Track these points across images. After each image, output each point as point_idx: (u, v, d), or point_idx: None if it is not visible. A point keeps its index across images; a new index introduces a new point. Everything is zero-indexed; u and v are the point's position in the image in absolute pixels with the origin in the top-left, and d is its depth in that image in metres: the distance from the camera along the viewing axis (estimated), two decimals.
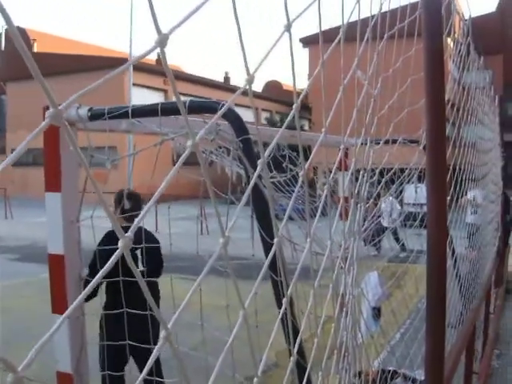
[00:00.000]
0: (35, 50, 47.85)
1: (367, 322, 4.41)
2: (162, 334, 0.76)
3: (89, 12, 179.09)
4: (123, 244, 0.70)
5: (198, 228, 19.42)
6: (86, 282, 4.86)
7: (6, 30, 52.04)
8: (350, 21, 1.72)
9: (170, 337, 0.75)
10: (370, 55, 2.19)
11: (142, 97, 34.30)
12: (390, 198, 13.23)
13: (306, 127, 43.77)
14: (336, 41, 1.45)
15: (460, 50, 4.60)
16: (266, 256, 2.78)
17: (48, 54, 43.08)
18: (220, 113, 1.08)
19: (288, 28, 0.99)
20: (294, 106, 1.19)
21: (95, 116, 3.18)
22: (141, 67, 32.64)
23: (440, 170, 2.27)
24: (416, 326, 5.81)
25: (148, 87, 37.33)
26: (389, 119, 2.76)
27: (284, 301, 1.31)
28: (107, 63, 37.03)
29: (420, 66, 2.35)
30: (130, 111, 2.94)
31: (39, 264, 15.28)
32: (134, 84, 31.00)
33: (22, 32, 50.48)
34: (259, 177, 2.83)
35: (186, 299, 0.86)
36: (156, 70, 39.85)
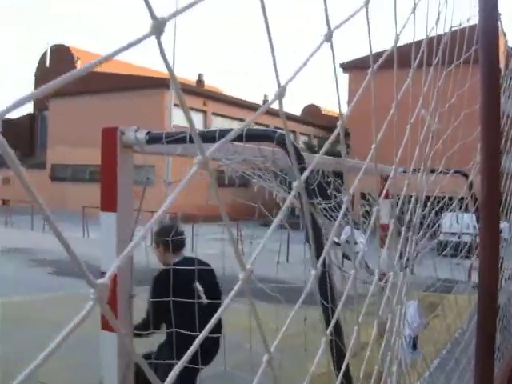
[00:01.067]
0: (78, 67, 48.69)
1: (405, 350, 4.40)
2: (265, 358, 0.80)
3: (131, 31, 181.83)
4: (245, 276, 0.74)
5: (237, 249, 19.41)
6: (147, 318, 4.92)
7: (51, 47, 53.17)
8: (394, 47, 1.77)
9: (272, 361, 0.80)
10: (418, 82, 2.23)
11: (181, 117, 34.60)
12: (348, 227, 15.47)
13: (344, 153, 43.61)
14: (412, 69, 1.50)
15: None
16: (318, 282, 2.82)
17: (90, 72, 43.73)
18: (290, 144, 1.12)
19: (373, 70, 1.04)
20: (339, 135, 1.24)
21: (153, 140, 3.26)
22: (181, 88, 33.04)
23: (493, 201, 2.29)
24: (456, 357, 5.75)
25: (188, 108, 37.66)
26: (442, 151, 2.80)
27: (355, 329, 1.34)
28: (148, 83, 37.55)
29: (473, 97, 2.39)
30: (187, 136, 3.01)
31: (76, 279, 15.46)
32: (174, 105, 31.29)
33: (66, 50, 51.56)
34: (312, 204, 2.90)
35: (285, 327, 0.90)
36: (196, 91, 40.22)
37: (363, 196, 6.76)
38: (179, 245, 5.08)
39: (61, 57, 51.38)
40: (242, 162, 3.17)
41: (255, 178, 3.66)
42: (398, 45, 1.59)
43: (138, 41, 0.67)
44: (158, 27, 0.67)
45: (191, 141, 3.00)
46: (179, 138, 3.06)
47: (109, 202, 3.36)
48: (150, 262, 4.56)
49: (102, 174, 3.47)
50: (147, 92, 36.45)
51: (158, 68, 53.23)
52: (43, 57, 54.64)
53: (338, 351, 2.71)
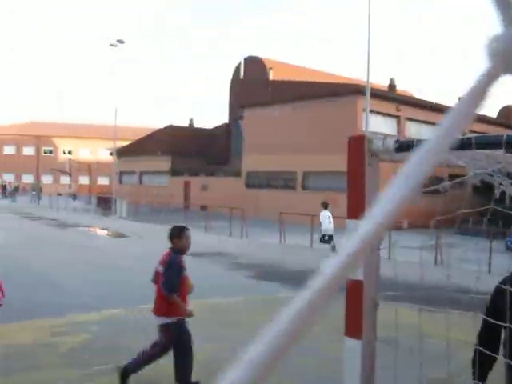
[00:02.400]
0: (271, 77, 50.12)
1: None
2: None
3: (323, 41, 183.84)
4: None
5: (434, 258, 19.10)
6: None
7: (245, 59, 55.12)
8: None
9: None
10: None
11: (374, 123, 34.38)
12: (325, 211, 20.03)
13: None
14: None
15: None
16: None
17: (282, 81, 44.93)
18: None
19: None
20: None
21: (402, 148, 3.24)
22: (374, 93, 32.81)
23: None
24: None
25: (381, 113, 37.34)
26: None
27: None
28: (341, 90, 37.71)
29: None
30: None
31: (273, 283, 15.86)
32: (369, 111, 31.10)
33: (259, 61, 53.21)
34: None
35: None
36: (388, 97, 39.74)
37: None
38: None
39: (254, 68, 53.11)
40: (496, 170, 3.05)
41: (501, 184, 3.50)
42: None
43: None
44: None
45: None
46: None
47: (356, 210, 3.38)
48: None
49: (348, 182, 3.51)
50: (340, 99, 36.60)
51: (348, 74, 53.40)
52: (237, 68, 56.78)
53: None
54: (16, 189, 70.69)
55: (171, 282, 6.52)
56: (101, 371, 7.53)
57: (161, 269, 6.68)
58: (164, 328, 6.74)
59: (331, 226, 20.75)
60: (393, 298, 7.32)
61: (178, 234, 6.74)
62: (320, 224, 20.91)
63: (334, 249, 20.45)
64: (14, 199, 64.92)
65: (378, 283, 3.47)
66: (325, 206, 21.16)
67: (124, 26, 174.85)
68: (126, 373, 6.80)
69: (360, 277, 3.34)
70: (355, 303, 3.38)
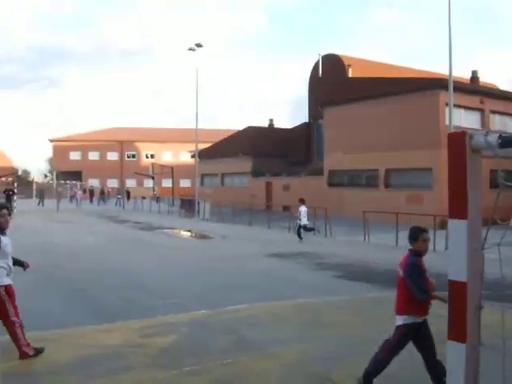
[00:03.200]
0: (350, 74, 49.74)
1: None
2: None
3: (399, 34, 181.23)
4: None
5: None
6: None
7: (322, 57, 54.94)
8: None
9: None
10: None
11: (457, 117, 33.55)
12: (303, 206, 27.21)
13: None
14: None
15: None
16: None
17: (362, 78, 44.48)
18: None
19: None
20: None
21: (507, 143, 3.12)
22: (456, 86, 31.96)
23: None
24: None
25: (463, 107, 36.41)
26: None
27: None
28: (420, 85, 36.99)
29: None
30: None
31: (362, 283, 15.65)
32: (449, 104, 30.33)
33: (337, 58, 52.96)
34: None
35: None
36: (471, 89, 38.74)
37: None
38: None
39: (332, 65, 52.87)
40: None
41: None
42: None
43: None
44: None
45: None
46: None
47: (458, 209, 3.28)
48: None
49: (449, 180, 3.40)
50: (421, 94, 35.91)
51: (428, 67, 52.29)
52: (316, 67, 56.62)
53: None
54: (102, 193, 72.48)
55: (420, 287, 6.44)
56: (190, 372, 7.59)
57: (400, 271, 6.66)
58: (400, 328, 6.66)
59: (305, 219, 26.98)
60: (487, 297, 7.07)
61: (414, 236, 6.70)
62: (299, 217, 26.96)
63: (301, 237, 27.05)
64: (100, 203, 66.76)
65: (482, 284, 3.35)
66: (302, 201, 27.58)
67: (202, 30, 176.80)
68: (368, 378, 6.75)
69: (464, 278, 3.23)
70: (459, 305, 3.26)
